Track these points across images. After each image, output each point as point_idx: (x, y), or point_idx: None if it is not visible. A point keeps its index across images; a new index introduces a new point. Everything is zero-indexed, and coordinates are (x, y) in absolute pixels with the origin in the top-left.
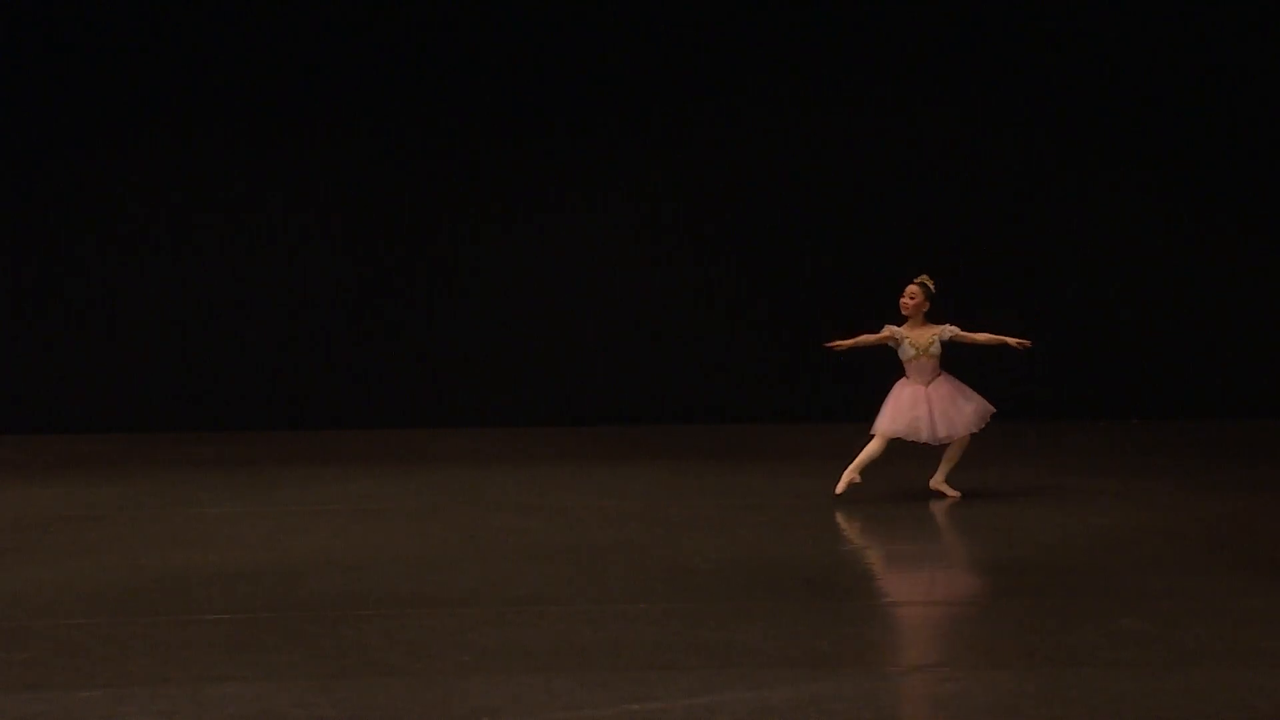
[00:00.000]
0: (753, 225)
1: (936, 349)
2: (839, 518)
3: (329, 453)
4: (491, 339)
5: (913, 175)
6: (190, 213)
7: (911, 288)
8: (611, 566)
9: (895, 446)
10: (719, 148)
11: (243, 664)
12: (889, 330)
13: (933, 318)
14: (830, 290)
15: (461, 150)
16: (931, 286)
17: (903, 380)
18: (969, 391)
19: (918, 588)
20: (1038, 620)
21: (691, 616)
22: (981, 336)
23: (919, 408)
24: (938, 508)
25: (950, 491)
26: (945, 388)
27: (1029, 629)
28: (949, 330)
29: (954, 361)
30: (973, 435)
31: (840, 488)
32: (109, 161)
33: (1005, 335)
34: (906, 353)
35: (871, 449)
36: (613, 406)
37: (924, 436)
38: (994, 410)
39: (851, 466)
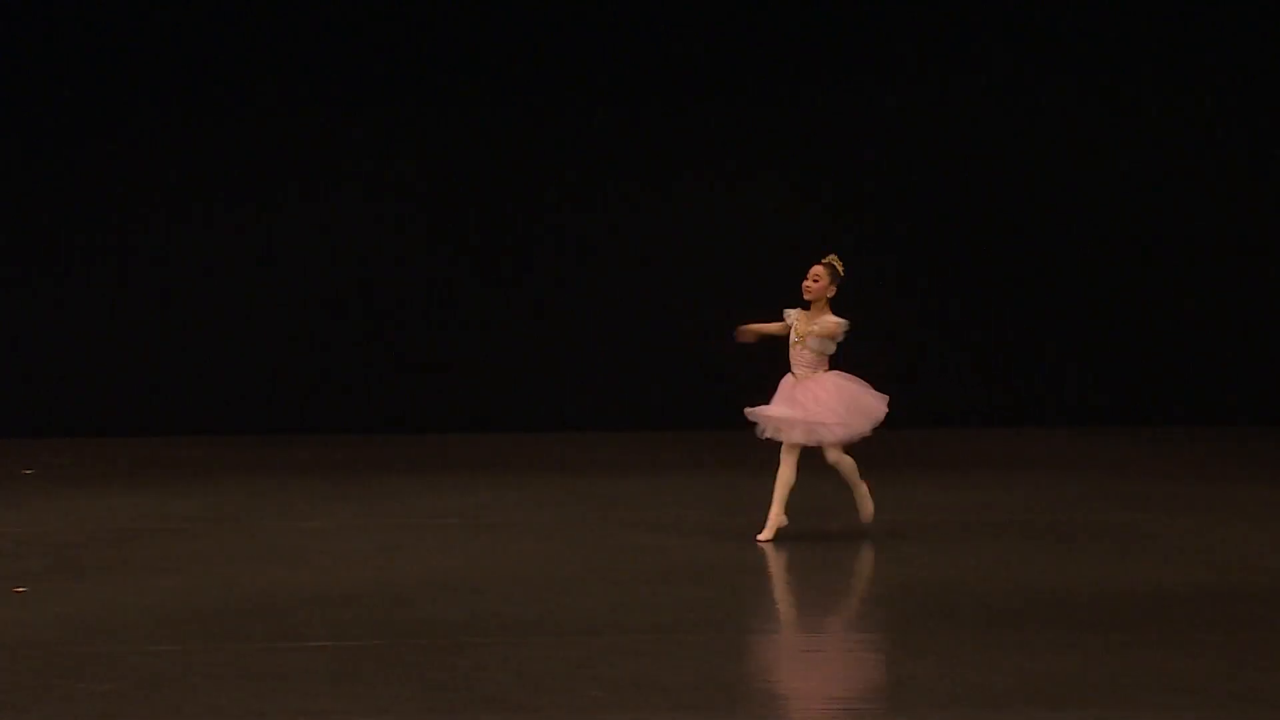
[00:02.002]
0: (903, 221)
1: (814, 342)
2: (1024, 534)
3: (440, 459)
4: (617, 336)
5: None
6: (277, 209)
7: (816, 268)
8: (759, 591)
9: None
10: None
11: (345, 697)
12: (788, 315)
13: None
14: (970, 284)
15: (618, 121)
16: (839, 269)
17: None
18: (852, 395)
19: (1104, 614)
20: (1241, 655)
21: (841, 648)
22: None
23: (778, 405)
24: (1119, 521)
25: (865, 513)
26: (817, 388)
27: (1227, 663)
28: (832, 326)
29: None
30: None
31: (765, 535)
32: (184, 154)
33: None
34: (791, 338)
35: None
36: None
37: (784, 438)
38: (870, 425)
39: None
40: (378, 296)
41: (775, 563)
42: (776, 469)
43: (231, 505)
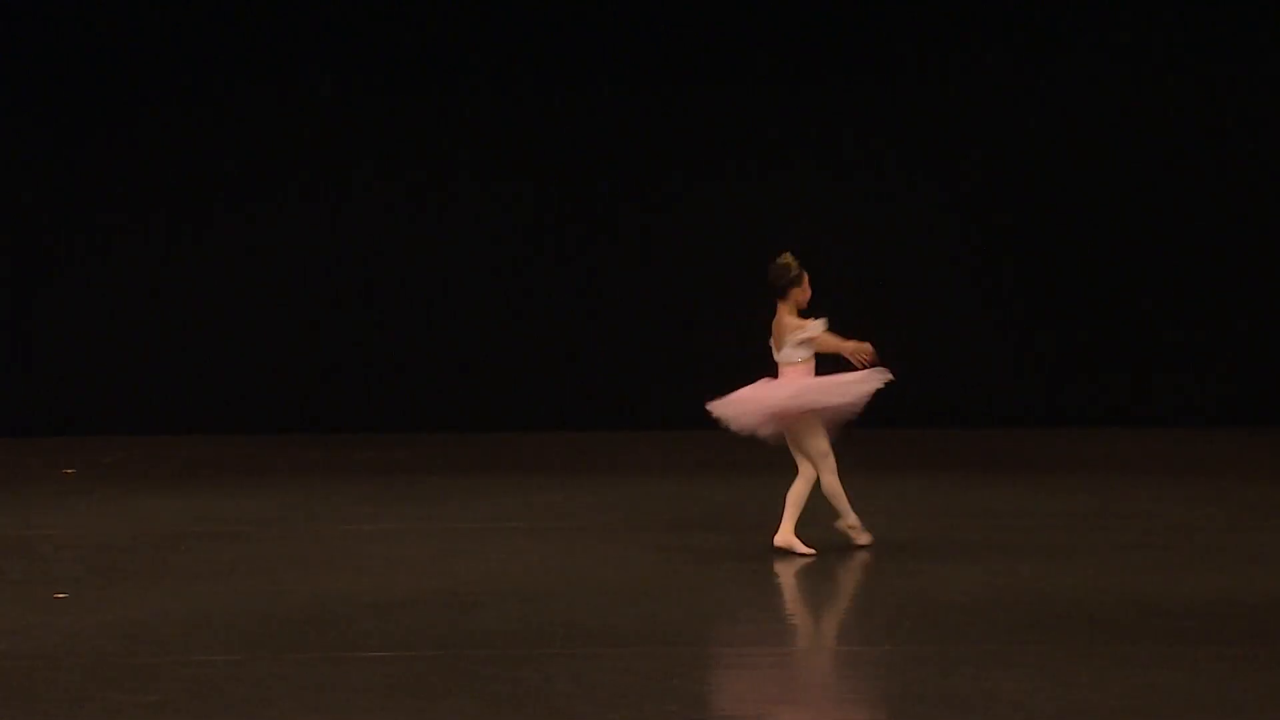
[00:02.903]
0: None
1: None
2: (1128, 543)
3: (504, 459)
4: (686, 329)
5: None
6: (337, 203)
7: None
8: (844, 600)
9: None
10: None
11: (404, 711)
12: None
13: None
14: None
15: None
16: (794, 266)
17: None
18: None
19: (1213, 626)
20: None
21: (943, 662)
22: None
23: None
24: (1224, 527)
25: (801, 548)
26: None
27: None
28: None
29: None
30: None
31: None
32: (236, 143)
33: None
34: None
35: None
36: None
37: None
38: (761, 420)
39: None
40: (439, 294)
41: (859, 572)
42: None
43: (284, 507)
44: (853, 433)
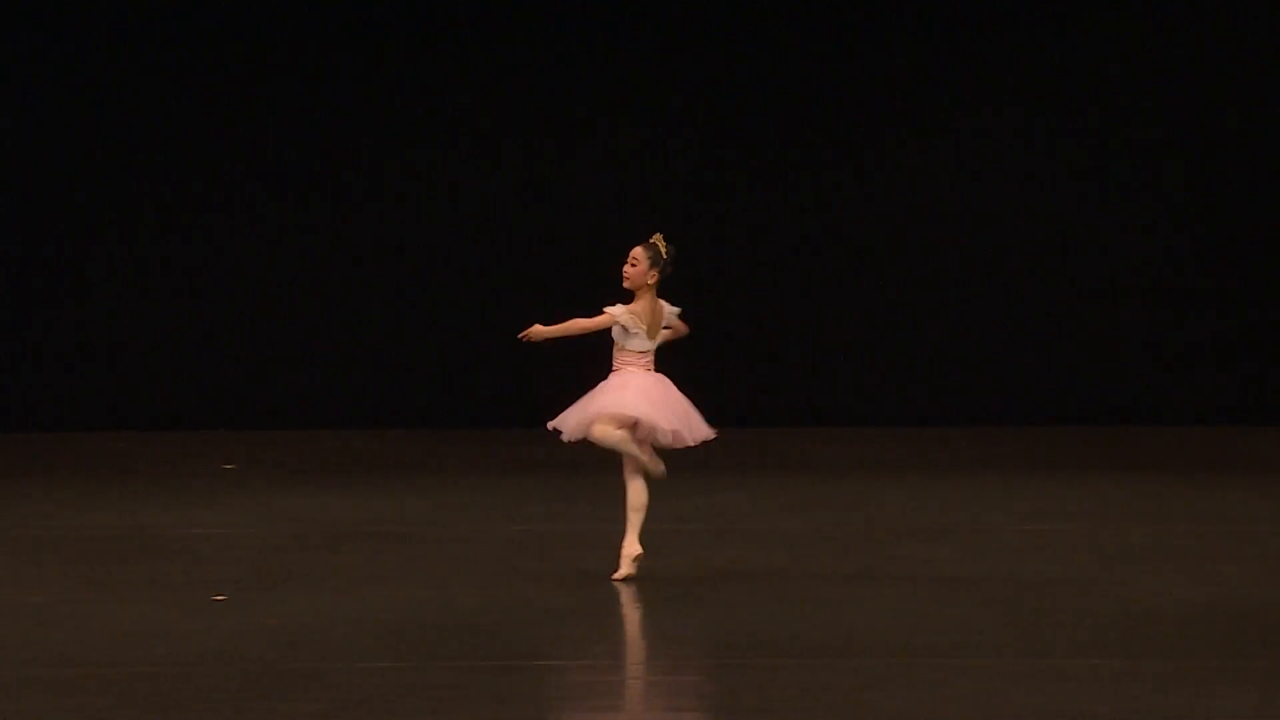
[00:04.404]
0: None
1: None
2: None
3: (680, 455)
4: (870, 325)
5: None
6: (453, 191)
7: (636, 250)
8: (1049, 610)
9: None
10: None
11: None
12: (608, 312)
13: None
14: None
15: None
16: (664, 250)
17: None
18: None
19: None
20: None
21: (1158, 677)
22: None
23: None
24: None
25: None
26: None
27: None
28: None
29: None
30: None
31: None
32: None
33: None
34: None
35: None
36: (1029, 402)
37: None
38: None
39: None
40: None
41: (1062, 581)
42: None
43: (453, 505)
44: (1043, 431)
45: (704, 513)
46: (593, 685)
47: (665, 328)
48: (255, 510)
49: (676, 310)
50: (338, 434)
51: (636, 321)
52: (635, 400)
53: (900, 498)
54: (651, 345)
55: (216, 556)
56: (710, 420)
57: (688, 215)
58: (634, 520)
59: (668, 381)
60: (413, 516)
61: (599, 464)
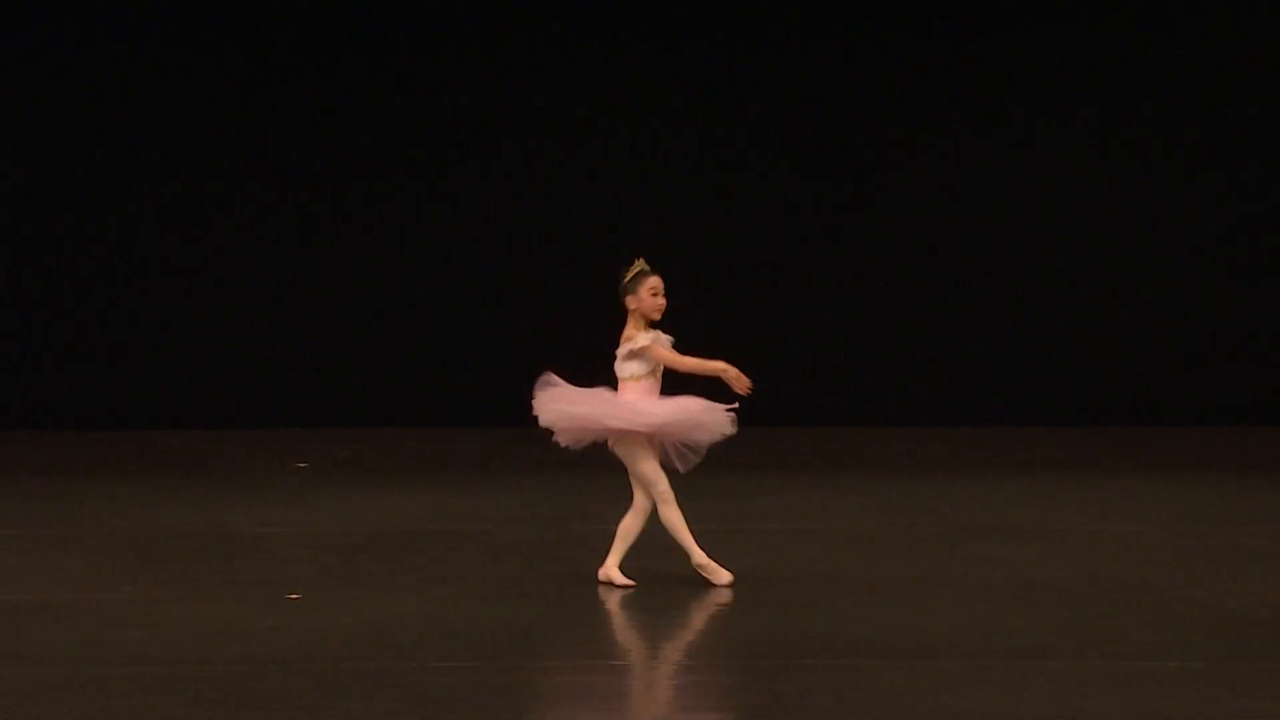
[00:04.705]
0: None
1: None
2: None
3: (749, 454)
4: (941, 325)
5: None
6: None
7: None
8: (1129, 611)
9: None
10: None
11: None
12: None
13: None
14: None
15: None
16: (629, 272)
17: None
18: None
19: None
20: None
21: (1242, 680)
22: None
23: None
24: None
25: (620, 579)
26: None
27: None
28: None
29: None
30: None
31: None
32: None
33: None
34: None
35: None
36: (1099, 402)
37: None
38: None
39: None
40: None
41: (1142, 579)
42: None
43: (528, 503)
44: (1112, 431)
45: (780, 512)
46: (667, 686)
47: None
48: (329, 509)
49: (654, 334)
50: (413, 432)
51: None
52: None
53: (972, 498)
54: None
55: (290, 555)
56: (786, 419)
57: (700, 213)
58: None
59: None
60: (488, 513)
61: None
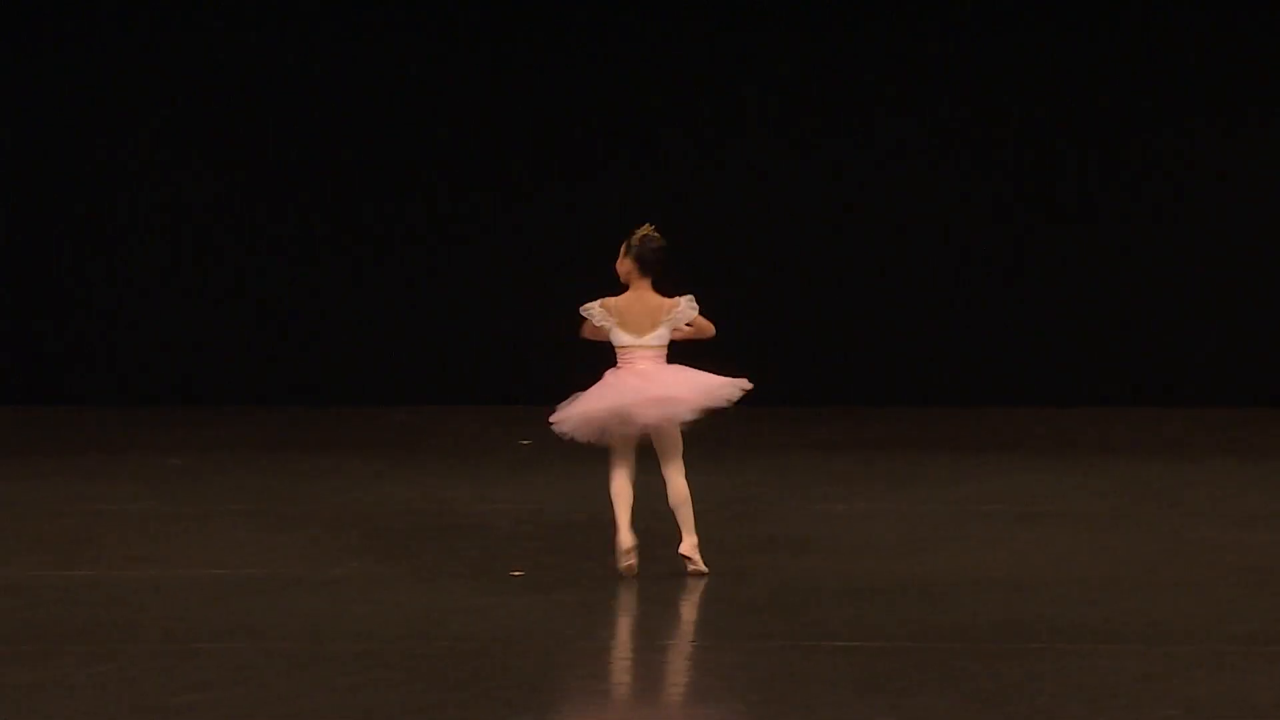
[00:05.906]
0: None
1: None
2: None
3: (981, 435)
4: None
5: None
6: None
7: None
8: None
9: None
10: None
11: (874, 707)
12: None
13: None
14: None
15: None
16: (634, 238)
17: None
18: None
19: None
20: None
21: None
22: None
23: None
24: None
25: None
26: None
27: None
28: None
29: None
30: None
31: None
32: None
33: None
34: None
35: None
36: None
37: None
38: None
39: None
40: (929, 263)
41: None
42: None
43: (747, 485)
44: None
45: (1006, 494)
46: (871, 665)
47: (688, 325)
48: (552, 487)
49: (693, 309)
50: None
51: (604, 315)
52: (587, 399)
53: (1205, 481)
54: (633, 340)
55: (513, 532)
56: (1000, 399)
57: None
58: (684, 516)
59: (650, 373)
60: (704, 494)
61: (889, 442)
